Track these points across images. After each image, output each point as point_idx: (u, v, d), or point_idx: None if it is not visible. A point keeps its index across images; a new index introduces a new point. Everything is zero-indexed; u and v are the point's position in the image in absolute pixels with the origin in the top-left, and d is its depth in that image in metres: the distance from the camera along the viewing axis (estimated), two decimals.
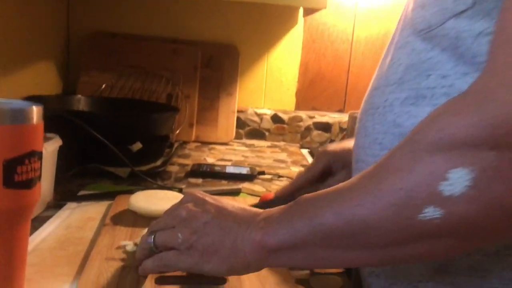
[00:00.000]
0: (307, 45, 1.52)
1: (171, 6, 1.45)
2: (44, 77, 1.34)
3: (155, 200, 0.75)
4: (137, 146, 1.04)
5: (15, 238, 0.49)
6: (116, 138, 1.00)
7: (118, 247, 0.63)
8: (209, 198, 0.53)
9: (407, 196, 0.37)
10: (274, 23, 1.50)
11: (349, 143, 0.68)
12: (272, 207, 0.66)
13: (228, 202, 0.53)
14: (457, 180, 0.35)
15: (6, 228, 0.47)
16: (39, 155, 0.49)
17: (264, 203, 0.71)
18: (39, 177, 0.49)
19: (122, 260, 0.59)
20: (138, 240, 0.63)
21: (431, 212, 0.36)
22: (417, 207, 0.36)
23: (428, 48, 0.45)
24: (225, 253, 0.48)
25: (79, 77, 1.41)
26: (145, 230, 0.61)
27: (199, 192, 0.54)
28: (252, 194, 0.97)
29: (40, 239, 0.66)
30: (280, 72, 1.54)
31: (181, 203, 0.54)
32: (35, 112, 0.47)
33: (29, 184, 0.47)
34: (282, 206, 0.49)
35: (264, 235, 0.46)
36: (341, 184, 0.45)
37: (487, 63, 0.37)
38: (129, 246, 0.62)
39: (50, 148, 0.78)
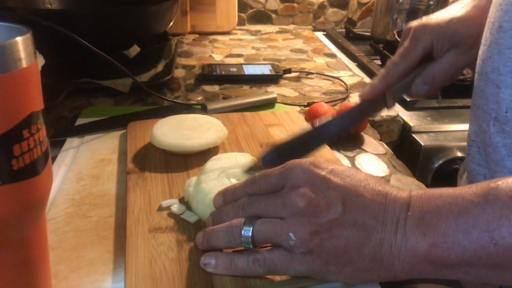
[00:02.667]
0: None
1: None
2: None
3: (186, 131, 0.57)
4: (134, 50, 0.82)
5: (31, 243, 0.32)
6: (106, 43, 0.78)
7: (160, 209, 0.47)
8: (330, 174, 0.36)
9: None
10: None
11: (453, 12, 0.50)
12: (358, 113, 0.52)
13: (353, 174, 0.36)
14: None
15: (16, 235, 0.30)
16: (41, 115, 0.30)
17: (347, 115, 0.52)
18: (48, 150, 0.31)
19: (172, 229, 0.44)
20: (186, 195, 0.48)
21: None
22: None
23: None
24: (364, 265, 0.33)
25: None
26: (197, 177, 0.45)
27: (313, 164, 0.37)
28: (287, 103, 0.79)
29: (49, 202, 0.48)
30: None
31: (288, 179, 0.36)
32: (21, 45, 0.27)
33: (35, 168, 0.29)
34: (451, 195, 0.33)
35: (433, 246, 0.31)
36: None
37: None
38: (175, 206, 0.46)
39: None
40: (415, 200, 0.34)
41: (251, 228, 0.36)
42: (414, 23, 0.51)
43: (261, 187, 0.38)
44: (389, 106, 0.52)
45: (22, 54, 0.27)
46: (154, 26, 0.86)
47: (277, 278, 0.38)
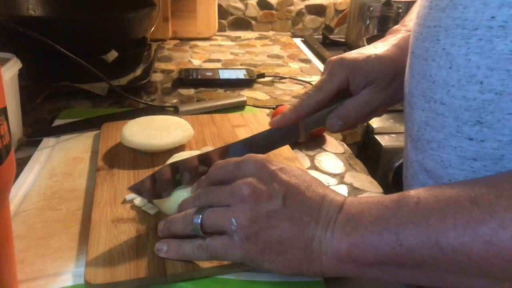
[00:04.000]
0: None
1: None
2: None
3: (154, 131, 0.61)
4: (112, 55, 0.86)
5: None
6: (85, 48, 0.82)
7: (124, 202, 0.51)
8: (279, 171, 0.40)
9: None
10: None
11: (374, 49, 0.51)
12: (269, 141, 0.52)
13: (300, 174, 0.40)
14: None
15: None
16: (3, 112, 0.34)
17: (259, 138, 0.53)
18: (10, 143, 0.35)
19: (133, 220, 0.48)
20: None
21: None
22: None
23: None
24: (295, 257, 0.37)
25: None
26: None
27: (266, 160, 0.41)
28: (257, 105, 0.83)
29: (21, 196, 0.53)
30: None
31: (241, 170, 0.41)
32: None
33: None
34: (374, 201, 0.36)
35: (353, 246, 0.35)
36: (477, 184, 0.32)
37: None
38: (138, 199, 0.50)
39: (9, 73, 0.61)
40: (347, 204, 0.37)
41: (201, 216, 0.40)
42: (333, 58, 0.51)
43: (219, 174, 0.42)
44: (302, 138, 0.52)
45: None
46: (131, 33, 0.90)
47: (225, 263, 0.42)
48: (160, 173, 0.48)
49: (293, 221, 0.37)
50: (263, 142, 0.52)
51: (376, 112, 0.53)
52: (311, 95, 0.50)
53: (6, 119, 0.34)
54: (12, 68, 0.62)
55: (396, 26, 0.55)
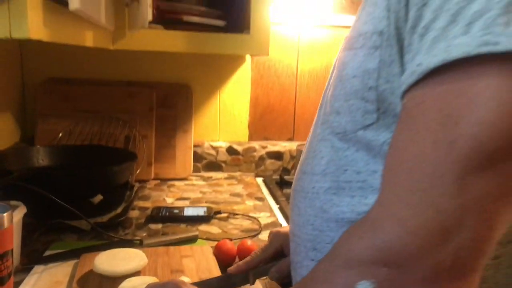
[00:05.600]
0: (255, 80, 1.62)
1: (126, 53, 1.50)
2: (0, 126, 1.37)
3: (118, 261, 0.82)
4: (98, 198, 1.10)
5: None
6: (77, 192, 1.07)
7: None
8: None
9: None
10: (224, 62, 1.59)
11: None
12: (227, 282, 0.75)
13: None
14: None
15: None
16: (11, 252, 0.56)
17: (219, 279, 0.76)
18: (11, 272, 0.56)
19: None
20: None
21: None
22: None
23: (344, 147, 0.53)
24: None
25: (37, 124, 1.45)
26: None
27: (183, 283, 0.61)
28: (209, 238, 1.05)
29: None
30: (232, 106, 1.62)
31: None
32: (5, 218, 0.54)
33: (2, 281, 0.54)
34: None
35: None
36: (303, 279, 0.54)
37: (380, 194, 0.48)
38: None
39: (16, 217, 0.84)
40: None
41: None
42: (274, 230, 0.78)
43: None
44: (250, 283, 0.73)
45: (5, 222, 0.54)
46: (116, 180, 1.15)
47: None
48: None
49: None
50: (220, 284, 0.74)
51: None
52: (258, 255, 0.76)
53: (12, 255, 0.56)
54: (19, 213, 0.85)
55: None
